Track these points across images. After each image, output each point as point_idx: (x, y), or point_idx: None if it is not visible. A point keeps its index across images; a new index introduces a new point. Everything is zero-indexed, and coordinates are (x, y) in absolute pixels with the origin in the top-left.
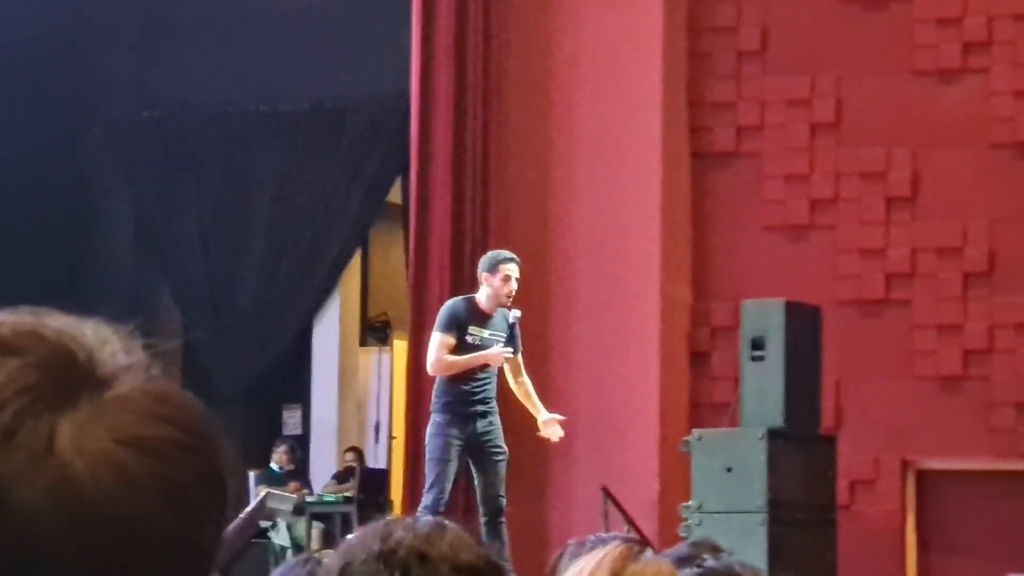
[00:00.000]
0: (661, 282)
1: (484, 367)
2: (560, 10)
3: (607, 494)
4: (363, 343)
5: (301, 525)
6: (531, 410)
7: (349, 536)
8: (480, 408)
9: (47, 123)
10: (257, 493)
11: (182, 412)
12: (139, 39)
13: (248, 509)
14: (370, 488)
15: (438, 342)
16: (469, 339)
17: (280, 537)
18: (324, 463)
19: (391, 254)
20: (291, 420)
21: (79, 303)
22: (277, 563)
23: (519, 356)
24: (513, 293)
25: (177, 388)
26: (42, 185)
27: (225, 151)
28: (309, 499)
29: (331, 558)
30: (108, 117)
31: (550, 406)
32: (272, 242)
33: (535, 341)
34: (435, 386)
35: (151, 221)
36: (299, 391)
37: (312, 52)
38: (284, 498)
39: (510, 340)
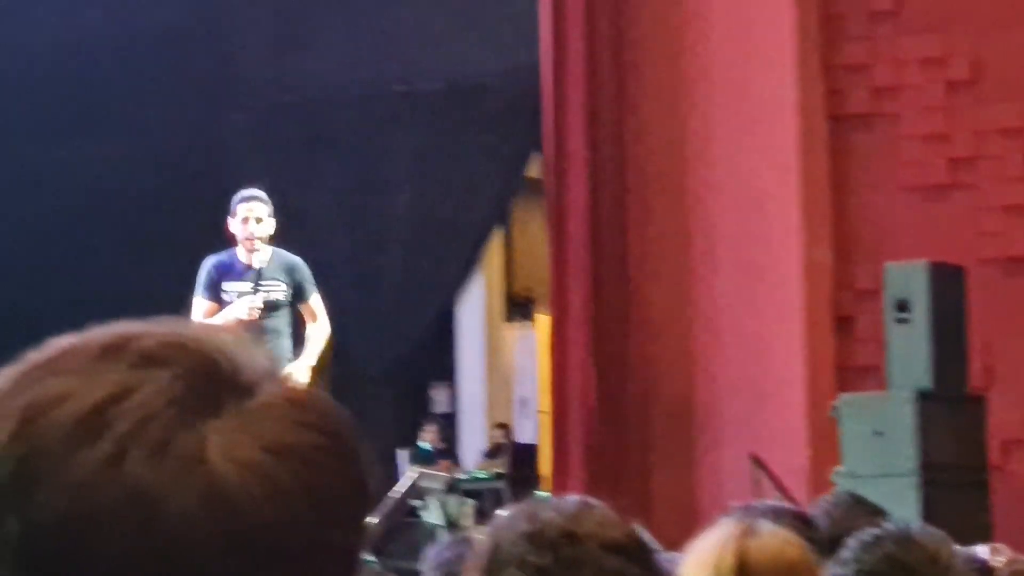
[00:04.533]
0: (803, 247)
1: (259, 325)
2: None
3: (757, 462)
4: (508, 319)
5: (453, 503)
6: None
7: (497, 517)
8: None
9: (186, 112)
10: (407, 473)
11: (324, 418)
12: (274, 25)
13: (399, 489)
14: (520, 463)
15: (196, 306)
16: (226, 297)
17: (432, 516)
18: (473, 440)
19: (532, 229)
20: (439, 398)
21: None
22: (430, 542)
23: (310, 302)
24: (257, 235)
25: (318, 393)
26: (183, 173)
27: (363, 133)
28: (460, 476)
29: (480, 540)
30: (246, 104)
31: (695, 375)
32: (413, 221)
33: (678, 310)
34: None
35: (292, 205)
36: (446, 369)
37: (445, 30)
38: (435, 476)
39: (297, 289)
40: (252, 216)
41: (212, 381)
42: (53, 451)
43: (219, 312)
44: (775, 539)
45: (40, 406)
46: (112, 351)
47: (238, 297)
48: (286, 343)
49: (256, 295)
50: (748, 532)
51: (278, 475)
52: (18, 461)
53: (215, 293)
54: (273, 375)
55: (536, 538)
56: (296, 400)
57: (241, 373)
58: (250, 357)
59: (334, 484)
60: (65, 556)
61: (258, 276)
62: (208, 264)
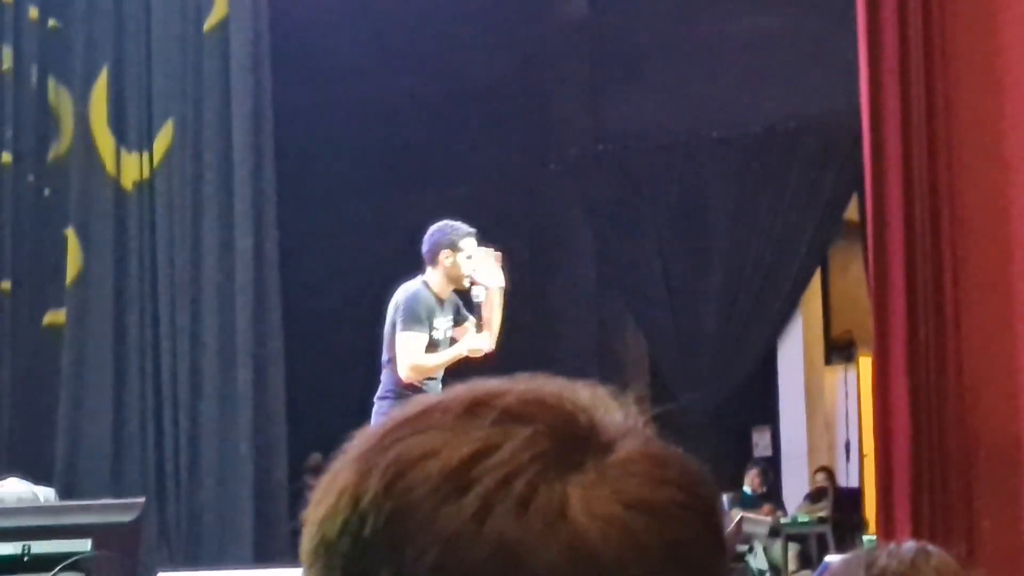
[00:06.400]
0: None
1: None
2: (1006, 17)
3: None
4: (828, 361)
5: (777, 547)
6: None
7: (831, 563)
8: None
9: (506, 162)
10: (731, 517)
11: (683, 474)
12: (590, 74)
13: (727, 522)
14: (844, 507)
15: (415, 341)
16: (435, 334)
17: (757, 560)
18: (796, 484)
19: (851, 271)
20: (761, 442)
21: (547, 338)
22: None
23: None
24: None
25: (675, 449)
26: (503, 224)
27: (680, 179)
28: (784, 521)
29: None
30: (564, 153)
31: (1020, 416)
32: (732, 266)
33: (1000, 351)
34: (385, 377)
35: (611, 252)
36: (767, 412)
37: (760, 75)
38: (759, 521)
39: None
40: (475, 254)
41: (572, 437)
42: (421, 506)
43: (437, 348)
44: None
45: (408, 462)
46: (475, 408)
47: (443, 335)
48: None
49: (481, 333)
50: None
51: (639, 531)
52: (388, 515)
53: (429, 327)
54: (631, 431)
55: None
56: (655, 456)
57: (600, 429)
58: (608, 413)
59: (694, 540)
60: None
61: (447, 313)
62: (420, 295)
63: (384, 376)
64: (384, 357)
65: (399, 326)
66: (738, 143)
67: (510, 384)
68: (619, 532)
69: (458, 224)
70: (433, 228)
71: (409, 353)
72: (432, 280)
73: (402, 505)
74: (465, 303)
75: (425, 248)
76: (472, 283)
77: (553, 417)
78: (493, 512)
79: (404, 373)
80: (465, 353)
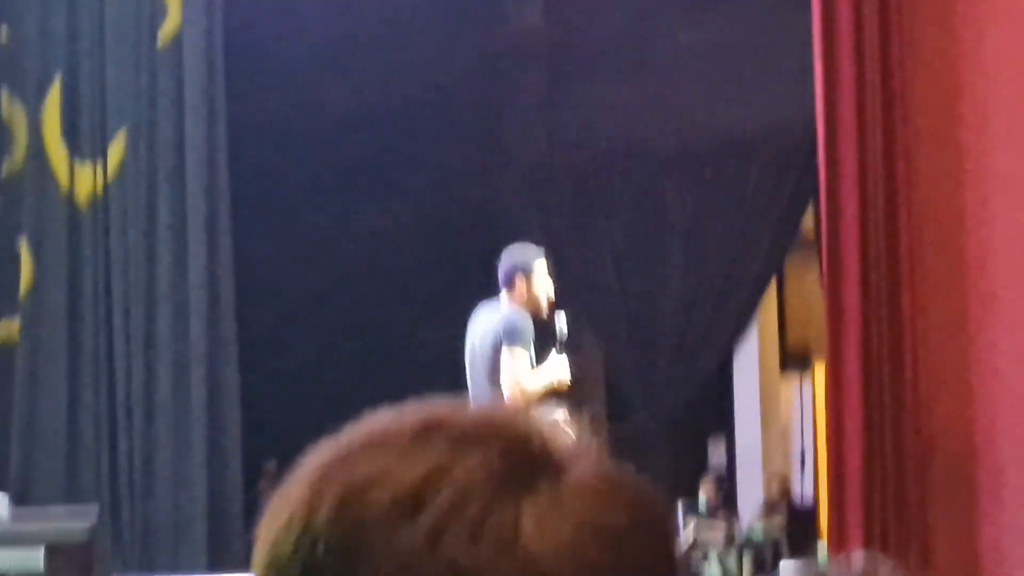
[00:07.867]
0: None
1: None
2: (963, 27)
3: None
4: (783, 371)
5: (732, 557)
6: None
7: (781, 571)
8: None
9: (460, 169)
10: (686, 526)
11: (636, 497)
12: (546, 83)
13: (679, 543)
14: (799, 517)
15: (526, 359)
16: (532, 358)
17: (712, 569)
18: (751, 493)
19: (807, 282)
20: (716, 451)
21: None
22: None
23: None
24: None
25: (629, 473)
26: (456, 232)
27: (635, 189)
28: (738, 530)
29: None
30: (519, 161)
31: (976, 430)
32: (688, 277)
33: (957, 363)
34: (485, 399)
35: (566, 261)
36: (723, 422)
37: (716, 85)
38: (713, 530)
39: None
40: (545, 275)
41: (525, 459)
42: (373, 529)
43: (537, 370)
44: None
45: (359, 485)
46: (427, 430)
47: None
48: None
49: (563, 357)
50: None
51: (591, 555)
52: (340, 539)
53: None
54: (583, 455)
55: None
56: (608, 480)
57: (553, 452)
58: (559, 436)
59: (646, 564)
60: None
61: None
62: (522, 315)
63: (482, 398)
64: (478, 381)
65: (506, 342)
66: (694, 154)
67: (463, 405)
68: (572, 556)
69: (526, 245)
70: (504, 252)
71: (517, 371)
72: (513, 302)
73: (353, 529)
74: (544, 334)
75: (500, 274)
76: (550, 307)
77: (506, 439)
78: (446, 535)
79: (512, 391)
80: (555, 384)
